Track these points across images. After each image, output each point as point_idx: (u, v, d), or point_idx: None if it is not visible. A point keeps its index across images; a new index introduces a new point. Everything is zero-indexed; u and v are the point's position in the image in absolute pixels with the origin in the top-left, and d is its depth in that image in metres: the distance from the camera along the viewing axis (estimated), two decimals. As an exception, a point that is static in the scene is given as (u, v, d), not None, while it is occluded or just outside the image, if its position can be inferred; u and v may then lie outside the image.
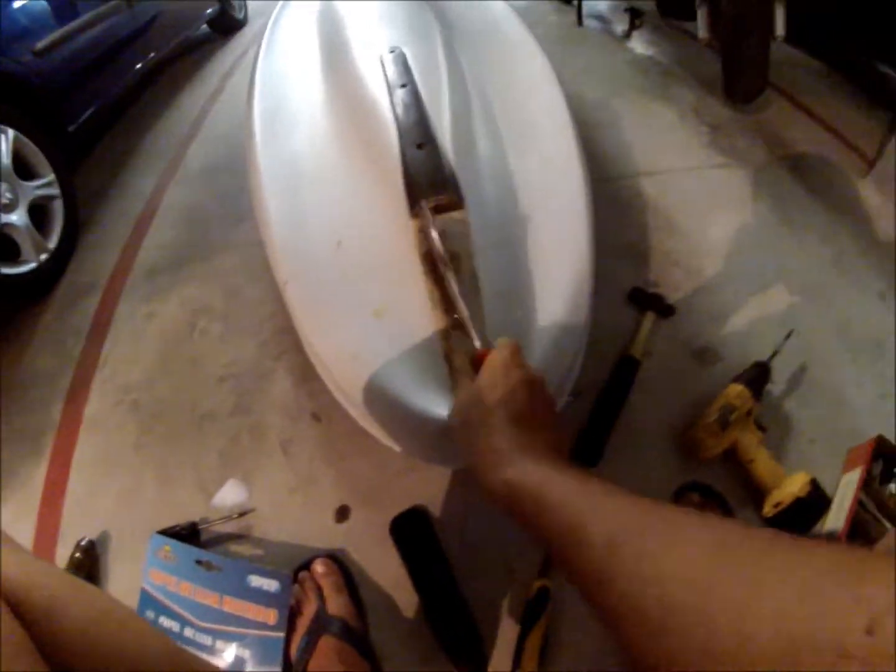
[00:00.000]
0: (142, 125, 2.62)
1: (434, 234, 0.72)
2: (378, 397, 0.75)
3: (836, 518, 0.89)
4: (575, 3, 2.88)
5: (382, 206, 0.89)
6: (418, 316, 0.77)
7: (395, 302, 0.81)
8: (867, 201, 1.59)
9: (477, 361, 0.58)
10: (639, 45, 2.65)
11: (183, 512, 1.03)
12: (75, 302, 1.61)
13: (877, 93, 2.01)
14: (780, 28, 1.73)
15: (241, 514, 1.01)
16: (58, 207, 1.77)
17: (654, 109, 2.08)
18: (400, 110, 0.95)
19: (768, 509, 0.91)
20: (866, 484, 0.90)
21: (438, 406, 0.70)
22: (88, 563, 0.98)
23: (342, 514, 0.99)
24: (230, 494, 1.05)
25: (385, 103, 0.98)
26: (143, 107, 2.82)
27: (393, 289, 0.82)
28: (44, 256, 1.65)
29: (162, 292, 1.56)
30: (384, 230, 0.87)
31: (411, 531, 0.94)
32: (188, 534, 0.98)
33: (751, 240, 1.47)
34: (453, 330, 0.72)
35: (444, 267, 0.71)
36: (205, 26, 3.54)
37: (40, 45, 1.87)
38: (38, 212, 1.70)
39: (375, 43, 1.18)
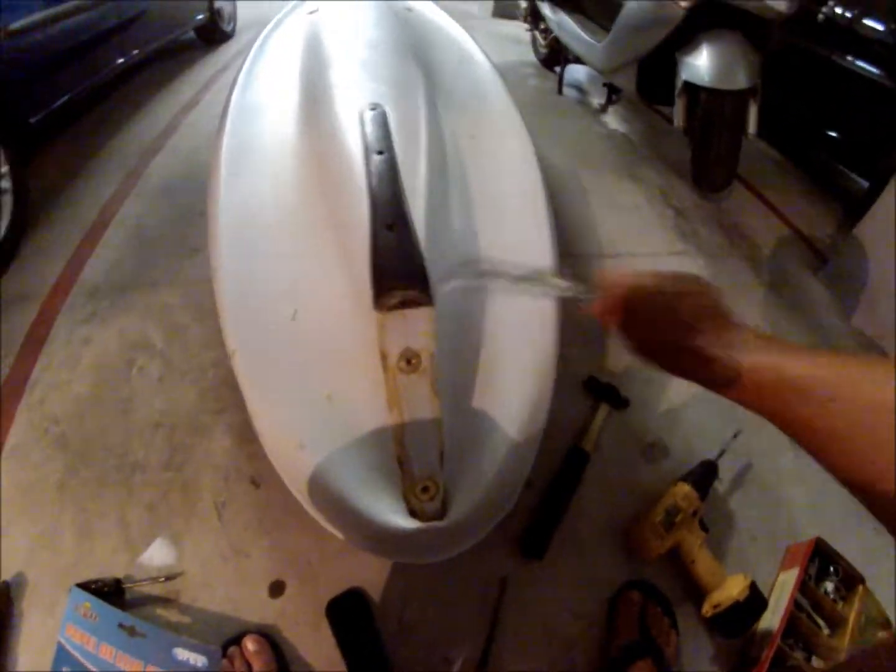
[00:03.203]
0: (107, 127, 2.51)
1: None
2: (324, 493, 0.72)
3: (772, 617, 0.93)
4: (557, 70, 2.99)
5: (345, 283, 0.85)
6: (372, 410, 0.74)
7: (348, 390, 0.77)
8: (818, 296, 1.70)
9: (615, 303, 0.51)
10: (614, 119, 2.77)
11: (105, 566, 0.97)
12: (10, 310, 1.50)
13: (835, 191, 2.18)
14: (752, 126, 1.86)
15: (169, 578, 0.95)
16: (6, 203, 1.66)
17: (622, 187, 2.17)
18: (375, 181, 0.91)
19: (707, 609, 0.93)
20: (802, 584, 0.95)
21: (387, 509, 0.67)
22: (1, 606, 0.90)
23: (277, 589, 0.95)
24: (158, 554, 0.99)
25: (360, 169, 0.94)
26: (112, 107, 2.71)
27: (347, 375, 0.78)
28: (-17, 253, 1.53)
29: (103, 316, 1.47)
30: (344, 310, 0.82)
31: (349, 615, 0.91)
32: (111, 592, 0.91)
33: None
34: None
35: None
36: (191, 32, 3.47)
37: (16, 25, 1.76)
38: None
39: (358, 94, 1.15)
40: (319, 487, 0.71)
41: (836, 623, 0.94)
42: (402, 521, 0.67)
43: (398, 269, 0.75)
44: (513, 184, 1.12)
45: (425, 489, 0.68)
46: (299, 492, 0.77)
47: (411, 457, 0.69)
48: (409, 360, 0.69)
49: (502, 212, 1.05)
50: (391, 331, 0.70)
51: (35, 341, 1.40)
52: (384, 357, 0.70)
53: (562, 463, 1.12)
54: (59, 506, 1.05)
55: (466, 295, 0.88)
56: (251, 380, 0.79)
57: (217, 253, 0.93)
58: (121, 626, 0.84)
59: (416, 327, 0.70)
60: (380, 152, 0.96)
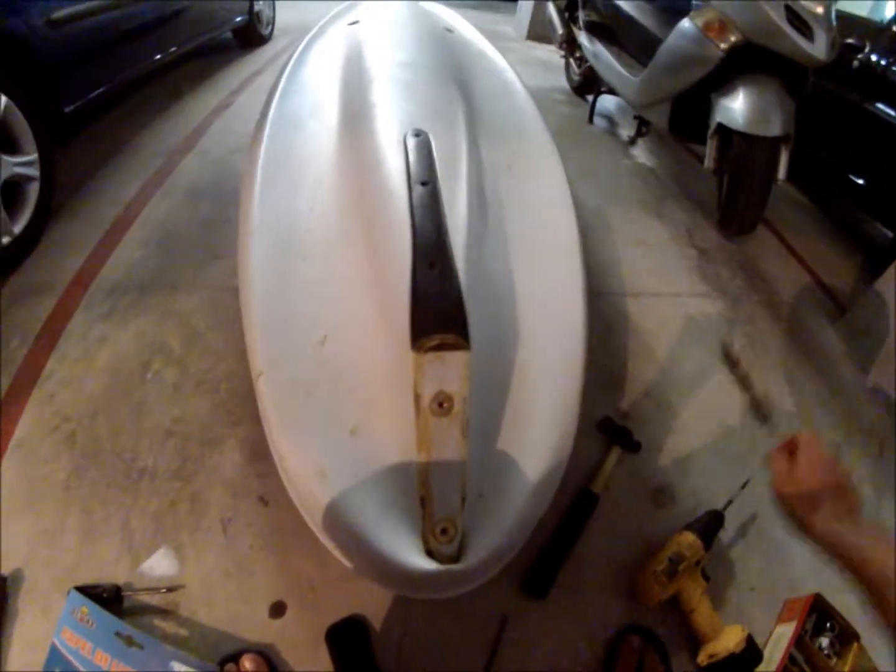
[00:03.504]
0: (138, 123, 2.53)
1: None
2: (341, 524, 0.71)
3: (766, 669, 0.91)
4: (589, 99, 3.00)
5: (378, 314, 0.83)
6: (396, 446, 0.73)
7: (374, 423, 0.76)
8: (834, 347, 1.68)
9: (789, 445, 0.76)
10: (642, 153, 2.78)
11: (106, 571, 0.96)
12: (28, 299, 1.50)
13: (859, 239, 2.17)
14: (782, 172, 1.85)
15: (170, 589, 0.94)
16: (32, 190, 1.66)
17: (647, 225, 2.16)
18: (418, 214, 0.89)
19: (703, 658, 0.92)
20: (798, 638, 0.93)
21: (403, 547, 0.67)
22: (-4, 600, 0.89)
23: (277, 610, 0.94)
24: (160, 564, 0.98)
25: (402, 196, 0.92)
26: (144, 101, 2.74)
27: (374, 408, 0.77)
28: (6, 240, 1.53)
29: (121, 315, 1.47)
30: (375, 341, 0.81)
31: (348, 642, 0.90)
32: (110, 598, 0.90)
33: (720, 377, 1.52)
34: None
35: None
36: (228, 33, 3.51)
37: (58, 14, 1.77)
38: (10, 191, 1.58)
39: (399, 116, 1.14)
40: (337, 518, 0.70)
41: (828, 679, 0.92)
42: (418, 560, 0.66)
43: (439, 312, 0.74)
44: (547, 222, 1.11)
45: (444, 531, 0.68)
46: (313, 518, 0.76)
47: (434, 498, 0.68)
48: (442, 403, 0.68)
49: (536, 250, 1.04)
50: (427, 372, 0.69)
51: (50, 334, 1.40)
52: (418, 398, 0.69)
53: (571, 504, 1.11)
54: (64, 505, 1.05)
55: (495, 338, 0.87)
56: (276, 404, 0.78)
57: (248, 269, 0.92)
58: (118, 634, 0.83)
59: (451, 371, 0.69)
60: (424, 183, 0.94)
